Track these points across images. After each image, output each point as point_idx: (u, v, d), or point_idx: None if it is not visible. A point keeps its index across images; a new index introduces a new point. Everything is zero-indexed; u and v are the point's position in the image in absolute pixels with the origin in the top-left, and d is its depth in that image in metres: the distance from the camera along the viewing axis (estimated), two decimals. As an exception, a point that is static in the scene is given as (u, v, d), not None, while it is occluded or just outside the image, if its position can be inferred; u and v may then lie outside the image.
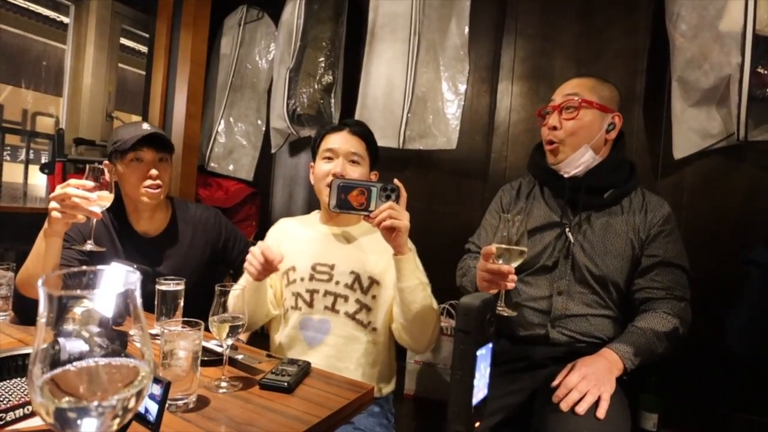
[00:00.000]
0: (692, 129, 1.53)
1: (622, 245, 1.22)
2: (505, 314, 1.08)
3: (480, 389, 0.47)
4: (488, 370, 0.49)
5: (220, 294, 1.00)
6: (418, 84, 1.90)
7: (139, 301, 0.37)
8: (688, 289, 1.20)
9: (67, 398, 0.33)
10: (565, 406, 1.01)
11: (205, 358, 1.04)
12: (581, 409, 1.00)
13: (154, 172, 1.38)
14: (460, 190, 1.95)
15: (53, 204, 1.07)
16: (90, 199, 1.06)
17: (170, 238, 1.47)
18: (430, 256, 1.53)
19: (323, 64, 2.08)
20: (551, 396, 1.06)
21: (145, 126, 1.41)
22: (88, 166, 1.10)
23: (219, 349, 1.10)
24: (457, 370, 0.46)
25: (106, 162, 1.20)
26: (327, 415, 0.89)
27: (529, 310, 1.27)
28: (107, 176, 1.11)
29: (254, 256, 1.17)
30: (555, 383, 1.06)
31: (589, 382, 1.03)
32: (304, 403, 0.93)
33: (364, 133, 1.37)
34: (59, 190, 1.06)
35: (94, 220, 1.14)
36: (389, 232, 1.13)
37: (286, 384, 0.96)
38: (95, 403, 0.33)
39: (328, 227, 1.39)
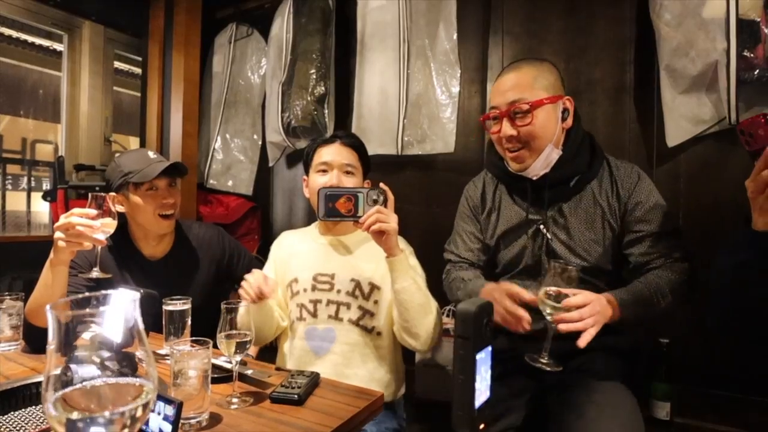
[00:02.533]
0: (684, 116, 1.54)
1: (600, 230, 1.18)
2: (549, 369, 1.04)
3: (482, 392, 0.48)
4: (489, 372, 0.50)
5: (227, 311, 1.02)
6: (411, 90, 1.92)
7: (139, 322, 0.39)
8: (685, 249, 1.15)
9: (77, 412, 0.35)
10: (564, 327, 1.00)
11: (216, 375, 1.05)
12: (582, 342, 0.99)
13: (170, 200, 1.40)
14: (457, 190, 1.95)
15: (58, 234, 1.08)
16: (94, 227, 1.08)
17: (176, 259, 1.49)
18: (432, 257, 1.55)
19: (314, 76, 2.10)
20: (563, 396, 1.07)
21: (152, 155, 1.43)
22: (90, 195, 1.12)
23: (228, 366, 1.11)
24: (458, 375, 0.48)
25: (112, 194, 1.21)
26: (339, 424, 0.91)
27: (528, 310, 1.27)
28: (110, 204, 1.13)
29: (249, 284, 1.20)
30: (566, 303, 1.01)
31: (594, 319, 1.00)
32: (315, 414, 0.94)
33: (355, 144, 1.40)
34: (63, 219, 1.08)
35: (99, 247, 1.16)
36: (379, 236, 1.15)
37: (296, 396, 0.98)
38: (105, 413, 0.35)
39: (326, 238, 1.41)
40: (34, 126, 4.09)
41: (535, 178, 1.20)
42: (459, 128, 1.89)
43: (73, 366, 0.41)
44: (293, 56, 2.15)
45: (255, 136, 2.50)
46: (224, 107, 2.50)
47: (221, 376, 1.07)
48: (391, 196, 1.18)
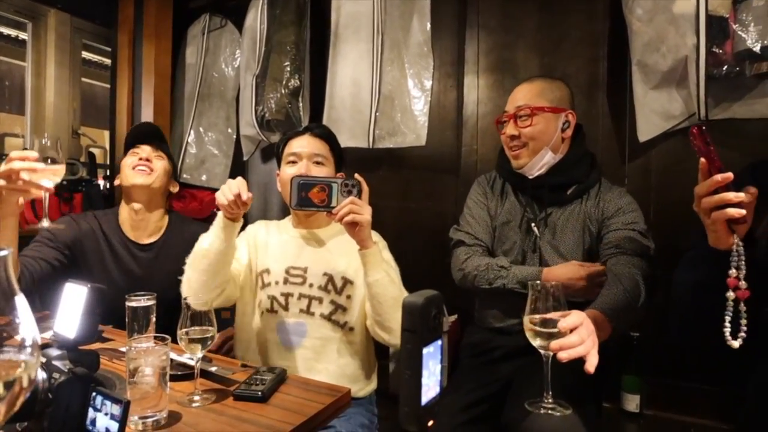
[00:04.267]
0: (654, 111, 1.56)
1: (580, 235, 1.30)
2: (558, 413, 0.91)
3: (430, 388, 0.47)
4: (438, 367, 0.49)
5: (187, 307, 0.99)
6: (384, 82, 1.90)
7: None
8: (650, 245, 1.21)
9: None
10: (565, 356, 0.85)
11: (178, 373, 1.03)
12: (591, 366, 0.86)
13: (143, 154, 1.52)
14: (433, 185, 1.96)
15: (0, 182, 1.01)
16: (37, 170, 1.00)
17: (162, 248, 1.55)
18: (407, 253, 1.54)
19: (289, 69, 2.06)
20: (524, 385, 1.07)
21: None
22: (36, 142, 1.03)
23: (191, 363, 1.08)
24: (405, 370, 0.46)
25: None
26: (302, 421, 0.89)
27: (505, 303, 1.29)
28: (59, 155, 1.06)
29: (228, 186, 1.12)
30: (561, 327, 0.86)
31: (593, 339, 0.90)
32: (278, 411, 0.93)
33: (325, 134, 1.39)
34: (3, 166, 0.99)
35: (47, 195, 1.09)
36: (352, 227, 1.13)
37: (260, 393, 0.95)
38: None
39: (299, 231, 1.39)
40: (3, 118, 3.96)
41: (531, 177, 1.33)
42: (434, 122, 1.88)
43: None
44: (267, 48, 2.11)
45: (229, 130, 2.45)
46: (197, 100, 2.45)
47: (183, 373, 1.04)
48: (365, 188, 1.16)
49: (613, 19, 1.66)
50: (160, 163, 1.54)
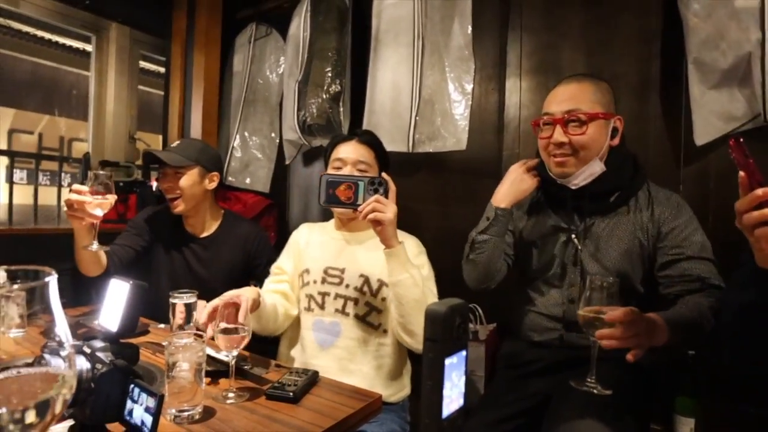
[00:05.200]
0: (714, 112, 1.45)
1: (630, 246, 1.18)
2: (596, 392, 0.99)
3: (453, 400, 0.45)
4: (462, 379, 0.47)
5: (224, 307, 1.02)
6: (424, 86, 1.88)
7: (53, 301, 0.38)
8: (721, 278, 1.12)
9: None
10: (606, 344, 0.92)
11: (213, 369, 1.06)
12: (631, 356, 0.92)
13: (164, 185, 1.60)
14: (473, 190, 1.92)
15: (64, 208, 1.24)
16: (86, 202, 1.20)
17: (213, 243, 1.67)
18: (445, 257, 1.51)
19: (330, 74, 2.09)
20: (565, 401, 1.02)
21: (173, 144, 1.62)
22: (90, 173, 1.23)
23: (227, 360, 1.11)
24: (426, 381, 0.45)
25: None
26: (331, 425, 0.89)
27: (543, 317, 1.24)
28: (110, 183, 1.25)
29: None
30: (607, 317, 0.93)
31: (637, 339, 0.93)
32: (309, 413, 0.93)
33: (371, 141, 1.42)
34: (66, 196, 1.23)
35: (97, 222, 1.28)
36: (376, 225, 1.15)
37: (291, 394, 0.97)
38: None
39: (341, 233, 1.43)
40: (70, 125, 4.27)
41: (574, 188, 1.22)
42: (475, 126, 1.84)
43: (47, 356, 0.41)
44: (310, 55, 2.15)
45: (273, 134, 2.52)
46: (243, 106, 2.53)
47: (219, 369, 1.07)
48: (392, 186, 1.17)
49: (667, 14, 1.56)
50: (183, 181, 1.58)
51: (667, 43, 1.58)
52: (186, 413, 0.86)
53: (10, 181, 2.72)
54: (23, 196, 2.87)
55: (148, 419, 0.67)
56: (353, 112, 2.15)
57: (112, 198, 1.25)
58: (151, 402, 0.68)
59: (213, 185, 1.67)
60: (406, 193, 1.54)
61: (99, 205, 1.23)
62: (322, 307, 1.34)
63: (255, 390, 1.01)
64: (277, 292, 1.37)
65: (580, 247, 1.22)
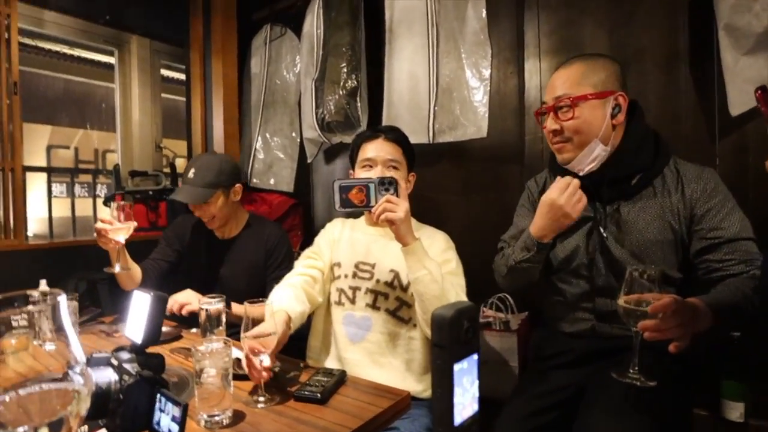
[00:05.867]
0: (749, 80, 1.36)
1: (660, 231, 1.11)
2: (639, 384, 0.95)
3: (465, 406, 0.44)
4: (475, 384, 0.45)
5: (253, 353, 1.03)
6: (441, 75, 1.85)
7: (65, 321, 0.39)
8: (755, 253, 1.05)
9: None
10: (648, 336, 0.89)
11: (242, 372, 1.07)
12: (674, 347, 0.89)
13: (197, 213, 1.68)
14: (496, 177, 1.88)
15: (95, 234, 1.42)
16: (108, 230, 1.38)
17: (238, 243, 1.74)
18: (473, 247, 1.49)
19: (346, 70, 2.08)
20: (601, 392, 0.99)
21: (189, 174, 1.63)
22: (113, 204, 1.41)
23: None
24: (436, 388, 0.43)
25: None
26: (359, 425, 0.89)
27: (572, 308, 1.20)
28: (129, 211, 1.42)
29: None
30: (651, 309, 0.88)
31: (681, 329, 0.89)
32: (336, 413, 0.93)
33: (399, 138, 1.40)
34: (96, 225, 1.41)
35: (118, 246, 1.45)
36: (390, 224, 1.16)
37: (318, 395, 0.97)
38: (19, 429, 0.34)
39: (372, 228, 1.43)
40: (102, 137, 4.43)
41: (581, 173, 1.17)
42: (494, 112, 1.79)
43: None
44: (324, 52, 2.14)
45: (293, 134, 2.53)
46: (263, 107, 2.55)
47: (242, 373, 1.08)
48: (402, 185, 1.19)
49: (695, -19, 1.47)
50: (212, 208, 1.64)
51: (695, 11, 1.49)
52: (216, 418, 0.87)
53: (50, 195, 2.84)
54: (63, 208, 3.00)
55: (175, 428, 0.69)
56: (371, 107, 2.13)
57: (132, 224, 1.42)
58: (176, 411, 0.69)
59: (238, 196, 1.72)
60: (428, 185, 1.53)
61: (122, 232, 1.41)
62: (353, 301, 1.35)
63: (283, 392, 1.02)
64: (305, 275, 1.38)
65: (605, 235, 1.16)
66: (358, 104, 2.09)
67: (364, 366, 1.29)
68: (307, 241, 2.49)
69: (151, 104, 2.78)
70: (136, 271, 1.60)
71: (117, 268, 1.47)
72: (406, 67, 1.94)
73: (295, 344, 1.39)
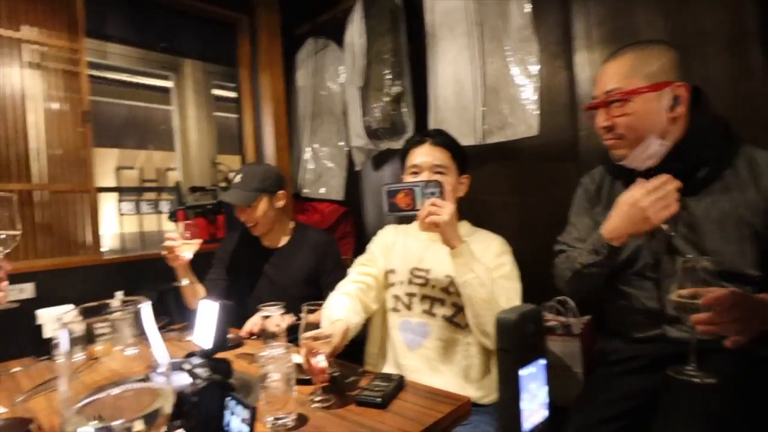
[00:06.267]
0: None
1: (734, 226, 1.02)
2: (698, 381, 0.91)
3: (533, 412, 0.43)
4: (543, 389, 0.44)
5: (308, 313, 1.06)
6: (487, 75, 1.82)
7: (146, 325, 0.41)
8: None
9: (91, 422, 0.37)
10: (702, 329, 0.85)
11: (304, 377, 1.10)
12: (730, 343, 0.85)
13: (241, 217, 1.73)
14: (550, 176, 1.82)
15: (163, 252, 1.55)
16: (175, 247, 1.53)
17: (286, 253, 1.78)
18: (527, 249, 1.45)
19: (389, 77, 2.10)
20: (676, 404, 0.93)
21: (236, 179, 1.72)
22: (180, 224, 1.58)
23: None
24: (502, 393, 0.43)
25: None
26: (420, 430, 0.89)
27: (639, 311, 1.13)
28: (194, 229, 1.57)
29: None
30: (703, 301, 0.85)
31: (740, 324, 0.84)
32: (397, 418, 0.93)
33: (445, 142, 1.39)
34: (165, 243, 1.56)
35: (184, 262, 1.60)
36: (435, 228, 1.16)
37: (379, 400, 0.98)
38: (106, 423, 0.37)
39: (425, 234, 1.42)
40: (164, 156, 4.72)
41: (639, 170, 1.10)
42: (544, 108, 1.74)
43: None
44: (367, 60, 2.17)
45: (341, 143, 2.58)
46: (311, 119, 2.62)
47: (308, 378, 1.11)
48: (447, 188, 1.19)
49: (761, -47, 1.37)
50: (255, 212, 1.70)
51: (764, -16, 1.38)
52: (281, 421, 0.90)
53: (120, 213, 3.05)
54: (131, 225, 3.22)
55: (246, 429, 0.72)
56: (417, 111, 2.13)
57: (197, 242, 1.56)
58: (246, 414, 0.72)
59: (282, 203, 1.78)
60: (479, 187, 1.51)
61: (188, 249, 1.54)
62: (409, 308, 1.35)
63: (344, 396, 1.04)
64: (359, 282, 1.39)
65: (672, 233, 1.08)
66: (404, 110, 2.10)
67: (423, 373, 1.29)
68: (360, 248, 2.51)
69: (205, 123, 2.93)
70: (200, 287, 1.72)
71: (185, 282, 1.59)
72: (450, 70, 1.93)
73: (353, 350, 1.41)
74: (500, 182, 1.94)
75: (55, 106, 2.17)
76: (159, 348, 0.44)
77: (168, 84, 3.01)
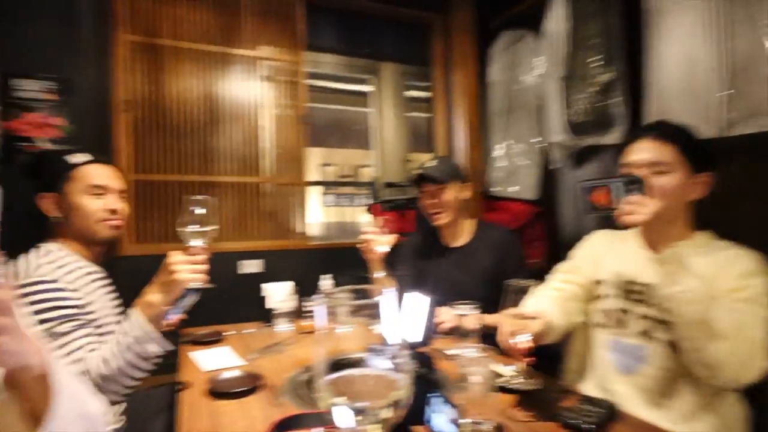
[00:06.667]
0: None
1: None
2: None
3: None
4: None
5: (515, 291, 1.01)
6: (734, 52, 1.47)
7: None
8: None
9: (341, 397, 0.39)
10: None
11: (502, 384, 1.04)
12: None
13: (427, 201, 1.72)
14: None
15: (360, 244, 1.54)
16: (371, 241, 1.53)
17: (466, 251, 1.73)
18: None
19: (597, 63, 1.87)
20: None
21: (427, 163, 1.73)
22: (376, 218, 1.57)
23: (513, 377, 1.09)
24: None
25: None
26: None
27: None
28: (388, 223, 1.56)
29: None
30: None
31: None
32: (611, 452, 0.81)
33: (671, 134, 1.12)
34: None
35: (378, 255, 1.59)
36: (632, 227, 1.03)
37: (592, 427, 0.86)
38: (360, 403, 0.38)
39: (645, 244, 1.20)
40: (360, 154, 5.19)
41: None
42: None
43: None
44: (571, 47, 1.98)
45: (536, 139, 2.42)
46: (503, 114, 2.53)
47: (506, 386, 1.05)
48: (649, 184, 1.04)
49: None
50: (445, 195, 1.69)
51: None
52: (479, 426, 0.87)
53: (323, 205, 3.46)
54: (332, 216, 3.61)
55: (453, 429, 0.69)
56: (629, 102, 1.86)
57: (393, 236, 1.56)
58: (451, 412, 0.70)
59: (468, 195, 1.76)
60: (719, 190, 1.20)
61: (384, 242, 1.54)
62: (621, 326, 1.18)
63: (544, 412, 0.95)
64: (561, 290, 1.27)
65: None
66: (614, 100, 1.86)
67: (637, 404, 1.10)
68: (553, 253, 2.33)
69: (399, 123, 3.10)
70: (389, 281, 1.75)
71: (380, 274, 1.65)
72: (678, 49, 1.62)
73: (551, 363, 1.30)
74: (748, 184, 1.53)
75: (280, 112, 2.55)
76: (394, 332, 0.44)
77: (367, 88, 3.27)
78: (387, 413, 0.39)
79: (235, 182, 2.45)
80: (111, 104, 2.19)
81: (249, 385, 1.10)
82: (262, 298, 1.80)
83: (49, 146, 1.78)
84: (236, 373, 1.20)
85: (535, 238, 2.38)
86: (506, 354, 1.01)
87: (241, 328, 1.71)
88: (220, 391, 1.08)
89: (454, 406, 0.70)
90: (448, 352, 1.31)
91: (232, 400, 1.04)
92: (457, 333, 1.27)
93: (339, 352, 0.45)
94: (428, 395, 0.77)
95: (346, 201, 4.15)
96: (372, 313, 0.45)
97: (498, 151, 2.54)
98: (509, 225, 2.32)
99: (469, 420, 0.86)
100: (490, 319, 1.41)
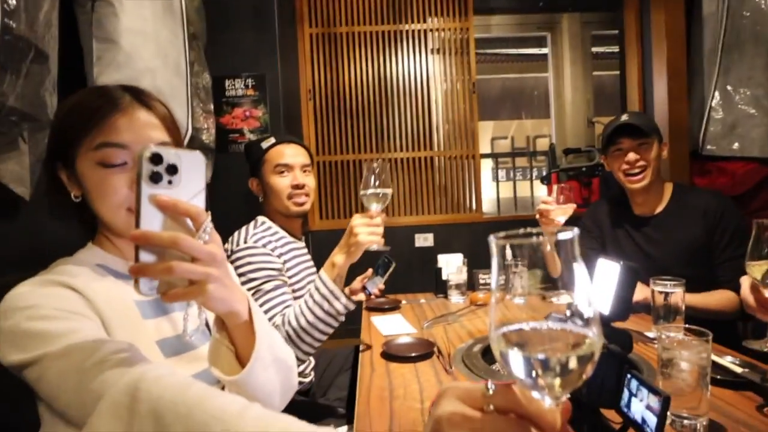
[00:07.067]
0: None
1: None
2: None
3: None
4: None
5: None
6: None
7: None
8: None
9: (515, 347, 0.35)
10: None
11: (721, 378, 0.86)
12: None
13: (631, 161, 1.46)
14: None
15: (537, 216, 1.41)
16: (551, 211, 1.36)
17: (663, 222, 1.50)
18: None
19: None
20: None
21: (624, 117, 1.48)
22: (556, 186, 1.40)
23: (738, 369, 0.88)
24: None
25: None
26: None
27: None
28: (569, 193, 1.38)
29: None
30: None
31: None
32: None
33: None
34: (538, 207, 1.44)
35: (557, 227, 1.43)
36: None
37: None
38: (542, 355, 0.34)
39: None
40: (535, 124, 4.85)
41: None
42: None
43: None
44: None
45: (769, 81, 1.89)
46: (721, 54, 2.03)
47: (727, 379, 0.86)
48: None
49: None
50: (651, 154, 1.46)
51: None
52: (686, 421, 0.72)
53: (496, 179, 3.34)
54: (505, 191, 3.47)
55: (652, 419, 0.58)
56: None
57: (571, 206, 1.38)
58: (654, 401, 0.59)
59: (665, 155, 1.51)
60: None
61: (562, 213, 1.38)
62: None
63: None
64: None
65: None
66: None
67: None
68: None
69: (582, 81, 2.77)
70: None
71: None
72: None
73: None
74: None
75: (450, 85, 2.52)
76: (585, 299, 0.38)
77: (543, 50, 3.00)
78: (569, 368, 0.33)
79: (409, 157, 2.53)
80: (298, 94, 2.47)
81: (423, 351, 1.13)
82: (437, 270, 1.83)
83: (251, 137, 2.09)
84: (411, 339, 1.24)
85: (765, 206, 1.89)
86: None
87: (416, 299, 1.77)
88: (397, 354, 1.13)
89: (658, 393, 0.58)
90: (648, 334, 1.15)
91: (407, 364, 1.08)
92: (659, 312, 1.09)
93: (515, 320, 0.41)
94: (627, 376, 0.66)
95: (519, 175, 3.93)
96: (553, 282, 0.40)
97: (713, 100, 2.05)
98: (731, 190, 1.90)
99: (682, 413, 0.72)
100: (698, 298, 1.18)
